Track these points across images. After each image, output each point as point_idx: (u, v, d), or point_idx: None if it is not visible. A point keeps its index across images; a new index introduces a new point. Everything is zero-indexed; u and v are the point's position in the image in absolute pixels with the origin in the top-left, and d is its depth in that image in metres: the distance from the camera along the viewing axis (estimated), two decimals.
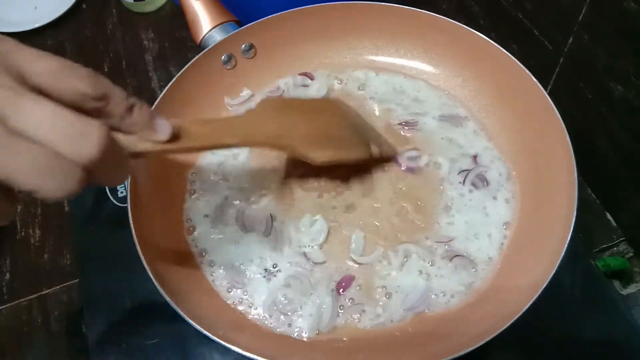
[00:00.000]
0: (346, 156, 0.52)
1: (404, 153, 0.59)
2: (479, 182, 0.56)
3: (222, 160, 0.60)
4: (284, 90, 0.65)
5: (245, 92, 0.64)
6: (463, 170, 0.57)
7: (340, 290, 0.51)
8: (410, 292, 0.51)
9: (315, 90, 0.64)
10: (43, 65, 0.28)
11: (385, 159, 0.58)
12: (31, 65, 0.28)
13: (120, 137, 0.32)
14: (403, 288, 0.51)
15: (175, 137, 0.36)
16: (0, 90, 0.26)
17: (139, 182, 0.52)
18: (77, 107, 0.29)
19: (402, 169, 0.58)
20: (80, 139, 0.27)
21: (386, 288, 0.51)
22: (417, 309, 0.50)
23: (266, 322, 0.50)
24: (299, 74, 0.65)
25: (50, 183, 0.27)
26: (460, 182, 0.57)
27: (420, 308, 0.50)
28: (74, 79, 0.29)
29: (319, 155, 0.50)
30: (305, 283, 0.51)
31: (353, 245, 0.53)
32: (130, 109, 0.32)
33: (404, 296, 0.51)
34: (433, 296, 0.51)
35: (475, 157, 0.58)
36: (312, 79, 0.65)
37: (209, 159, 0.60)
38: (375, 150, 0.55)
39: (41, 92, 0.28)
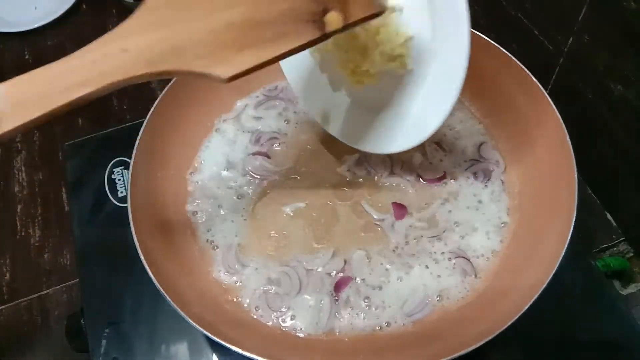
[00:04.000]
0: (275, 52, 0.37)
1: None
2: (481, 174, 0.57)
3: (221, 161, 0.60)
4: (282, 89, 0.65)
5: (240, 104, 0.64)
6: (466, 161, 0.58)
7: (338, 291, 0.51)
8: (411, 294, 0.51)
9: None
10: None
11: (362, 20, 0.39)
12: None
13: None
14: (403, 289, 0.51)
15: None
16: None
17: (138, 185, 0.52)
18: None
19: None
20: None
21: (386, 289, 0.51)
22: (417, 310, 0.50)
23: (265, 320, 0.50)
24: None
25: None
26: (462, 174, 0.57)
27: (420, 309, 0.50)
28: None
29: (229, 68, 0.36)
30: (295, 281, 0.52)
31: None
32: None
33: (404, 298, 0.51)
34: (433, 297, 0.51)
35: (475, 158, 0.58)
36: None
37: (208, 160, 0.60)
38: (333, 20, 0.37)
39: None
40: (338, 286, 0.51)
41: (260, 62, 0.37)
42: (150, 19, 0.35)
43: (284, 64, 0.55)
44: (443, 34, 0.42)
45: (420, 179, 0.58)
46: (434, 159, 0.59)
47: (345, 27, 0.38)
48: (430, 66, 0.44)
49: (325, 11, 0.37)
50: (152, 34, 0.35)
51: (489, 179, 0.57)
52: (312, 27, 0.37)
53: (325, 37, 0.37)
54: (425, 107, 0.46)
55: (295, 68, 0.55)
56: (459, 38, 0.40)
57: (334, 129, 0.57)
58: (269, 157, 0.60)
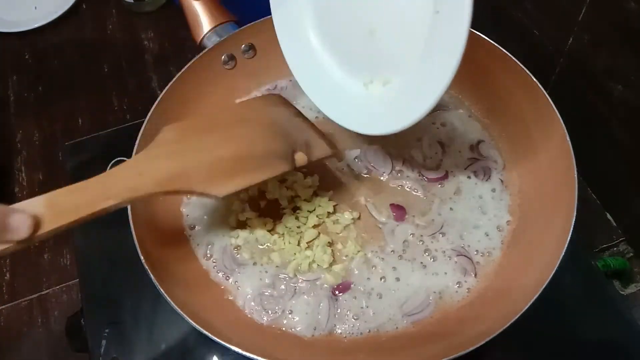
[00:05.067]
0: (258, 179, 0.48)
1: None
2: (481, 172, 0.57)
3: None
4: (282, 89, 0.65)
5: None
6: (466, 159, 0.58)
7: (337, 292, 0.51)
8: (410, 294, 0.51)
9: None
10: None
11: (320, 159, 0.53)
12: None
13: None
14: (402, 289, 0.51)
15: (37, 223, 0.35)
16: None
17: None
18: None
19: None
20: None
21: (386, 289, 0.51)
22: (417, 310, 0.50)
23: (264, 320, 0.50)
24: None
25: None
26: (462, 174, 0.57)
27: (420, 309, 0.50)
28: None
29: (222, 189, 0.45)
30: (290, 285, 0.52)
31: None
32: None
33: (404, 298, 0.51)
34: (433, 297, 0.51)
35: (475, 157, 0.58)
36: None
37: None
38: (300, 158, 0.50)
39: None
40: (337, 288, 0.51)
41: (246, 186, 0.47)
42: (159, 152, 0.45)
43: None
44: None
45: (422, 177, 0.58)
46: (435, 157, 0.59)
47: (308, 163, 0.51)
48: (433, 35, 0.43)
49: (294, 152, 0.50)
50: (162, 162, 0.44)
51: (489, 177, 0.57)
52: (285, 163, 0.49)
53: (294, 169, 0.50)
54: (426, 74, 0.44)
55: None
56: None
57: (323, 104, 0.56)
58: None
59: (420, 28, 0.43)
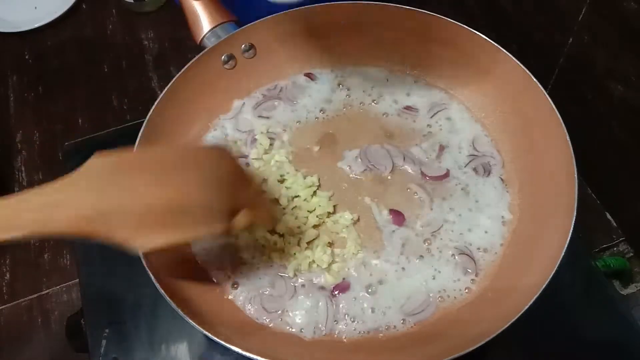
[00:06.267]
0: (187, 237, 0.44)
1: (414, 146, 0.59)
2: (481, 168, 0.57)
3: None
4: (282, 89, 0.65)
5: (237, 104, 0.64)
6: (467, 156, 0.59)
7: (337, 292, 0.51)
8: (410, 294, 0.51)
9: (316, 91, 0.64)
10: None
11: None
12: None
13: None
14: (402, 289, 0.51)
15: None
16: None
17: None
18: None
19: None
20: None
21: (385, 289, 0.51)
22: (417, 310, 0.50)
23: (264, 320, 0.50)
24: (304, 74, 0.65)
25: None
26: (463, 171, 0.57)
27: (420, 309, 0.50)
28: None
29: (146, 243, 0.40)
30: (289, 285, 0.52)
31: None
32: None
33: (404, 298, 0.51)
34: (433, 297, 0.51)
35: (475, 154, 0.58)
36: (313, 79, 0.65)
37: None
38: (241, 221, 0.45)
39: None
40: (336, 288, 0.51)
41: (172, 243, 0.41)
42: (84, 184, 0.38)
43: None
44: None
45: (422, 175, 0.58)
46: (435, 155, 0.59)
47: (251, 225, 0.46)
48: None
49: (234, 212, 0.44)
50: (84, 197, 0.38)
51: (489, 173, 0.57)
52: (222, 222, 0.43)
53: (231, 232, 0.45)
54: None
55: None
56: None
57: None
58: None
59: None
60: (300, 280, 0.52)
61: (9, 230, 0.35)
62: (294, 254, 0.52)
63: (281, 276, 0.52)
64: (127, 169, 0.41)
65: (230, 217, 0.44)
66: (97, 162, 0.40)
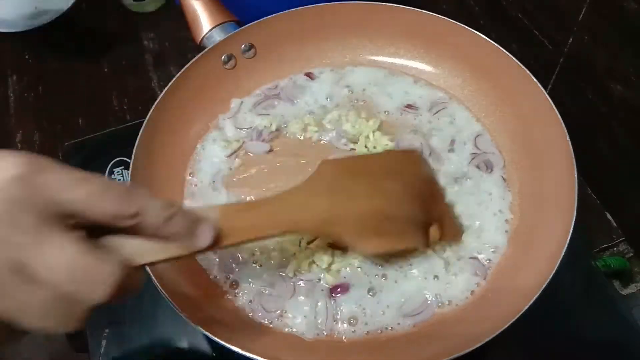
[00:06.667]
0: (397, 246, 0.45)
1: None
2: (483, 165, 0.57)
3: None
4: (282, 89, 0.65)
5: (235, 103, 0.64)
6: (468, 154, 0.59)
7: (336, 293, 0.51)
8: (410, 294, 0.51)
9: (317, 90, 0.64)
10: (77, 193, 0.28)
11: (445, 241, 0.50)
12: (66, 193, 0.28)
13: (139, 246, 0.31)
14: (402, 290, 0.51)
15: (217, 237, 0.33)
16: (21, 237, 0.26)
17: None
18: (111, 226, 0.29)
19: None
20: (94, 284, 0.27)
21: (385, 290, 0.51)
22: (416, 311, 0.50)
23: (263, 320, 0.50)
24: (305, 74, 0.65)
25: (53, 323, 0.27)
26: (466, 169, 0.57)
27: (420, 310, 0.50)
28: (108, 202, 0.29)
29: (368, 247, 0.43)
30: (289, 284, 0.52)
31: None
32: (169, 218, 0.31)
33: (403, 298, 0.51)
34: (433, 298, 0.50)
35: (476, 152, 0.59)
36: (313, 78, 0.65)
37: (208, 159, 0.60)
38: (434, 237, 0.46)
39: (73, 216, 0.28)
40: (335, 288, 0.51)
41: (386, 251, 0.46)
42: (320, 189, 0.41)
43: None
44: None
45: None
46: (437, 153, 0.58)
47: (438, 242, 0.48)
48: None
49: (428, 226, 0.46)
50: (322, 201, 0.41)
51: (491, 170, 0.57)
52: (421, 235, 0.45)
53: (426, 246, 0.47)
54: None
55: None
56: None
57: None
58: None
59: None
60: (300, 280, 0.52)
61: (274, 227, 0.37)
62: (294, 254, 0.52)
63: (281, 276, 0.52)
64: (349, 175, 0.44)
65: (426, 230, 0.46)
66: (327, 169, 0.43)
